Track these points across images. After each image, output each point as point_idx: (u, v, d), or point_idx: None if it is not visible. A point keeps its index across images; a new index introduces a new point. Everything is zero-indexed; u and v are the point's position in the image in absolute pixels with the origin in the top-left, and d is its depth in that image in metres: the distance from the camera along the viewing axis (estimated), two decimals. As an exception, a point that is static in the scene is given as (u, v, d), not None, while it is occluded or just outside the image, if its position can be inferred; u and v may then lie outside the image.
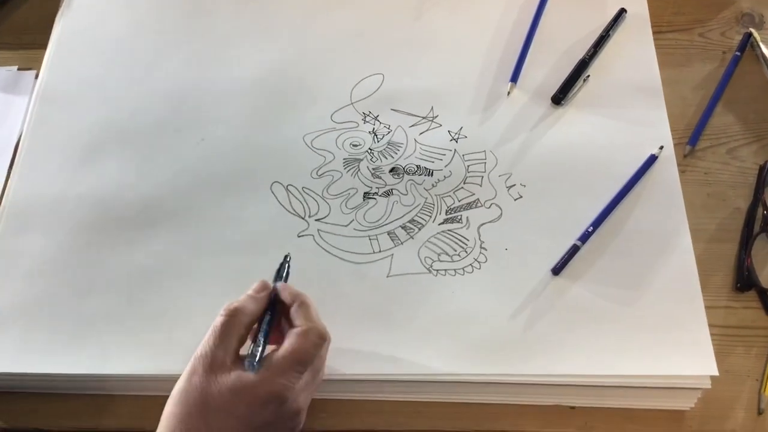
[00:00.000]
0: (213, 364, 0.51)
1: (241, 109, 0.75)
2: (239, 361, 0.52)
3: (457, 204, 0.68)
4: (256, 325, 0.55)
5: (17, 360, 0.62)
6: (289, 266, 0.60)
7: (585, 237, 0.64)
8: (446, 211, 0.68)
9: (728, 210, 0.69)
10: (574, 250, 0.64)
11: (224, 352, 0.52)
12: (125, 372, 0.61)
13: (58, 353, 0.62)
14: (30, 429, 0.61)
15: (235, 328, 0.53)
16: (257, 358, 0.52)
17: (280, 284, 0.57)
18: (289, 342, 0.53)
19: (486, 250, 0.65)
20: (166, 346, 0.62)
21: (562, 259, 0.64)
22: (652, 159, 0.69)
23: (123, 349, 0.62)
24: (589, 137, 0.71)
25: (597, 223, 0.65)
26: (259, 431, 0.50)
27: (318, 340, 0.53)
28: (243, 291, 0.63)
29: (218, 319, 0.53)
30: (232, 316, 0.53)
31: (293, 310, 0.55)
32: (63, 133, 0.74)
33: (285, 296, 0.56)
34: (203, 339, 0.52)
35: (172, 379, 0.60)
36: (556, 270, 0.63)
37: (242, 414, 0.49)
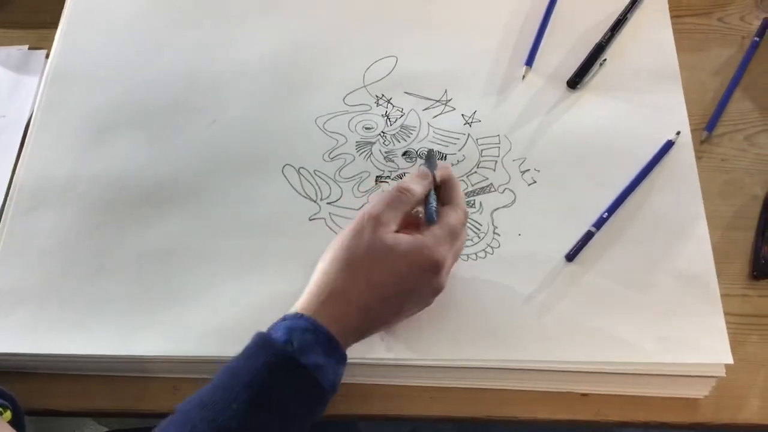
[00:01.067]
0: (382, 225, 0.54)
1: (254, 91, 0.74)
2: (402, 231, 0.55)
3: (470, 188, 0.67)
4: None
5: (28, 340, 0.62)
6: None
7: (600, 223, 0.64)
8: (459, 196, 0.67)
9: (745, 197, 0.68)
10: (588, 237, 0.63)
11: (392, 218, 0.55)
12: (137, 353, 0.60)
13: (69, 333, 0.62)
14: (41, 410, 0.62)
15: (403, 203, 0.56)
16: (434, 209, 0.57)
17: (437, 170, 0.60)
18: (446, 217, 0.56)
19: (499, 235, 0.65)
20: (177, 327, 0.62)
21: (576, 245, 0.63)
22: (669, 145, 0.68)
23: (134, 330, 0.62)
24: (605, 122, 0.70)
25: (612, 209, 0.64)
26: (408, 296, 0.54)
27: (465, 218, 0.58)
28: (252, 273, 0.63)
29: (390, 191, 0.56)
30: (403, 192, 0.56)
31: (446, 189, 0.59)
32: (74, 113, 0.74)
33: (438, 176, 0.60)
34: (371, 204, 0.56)
35: (184, 360, 0.60)
36: (570, 256, 0.63)
37: (403, 273, 0.53)
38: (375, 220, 0.54)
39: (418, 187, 0.57)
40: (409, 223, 0.57)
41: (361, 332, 0.54)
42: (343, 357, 0.52)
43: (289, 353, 0.49)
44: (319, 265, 0.55)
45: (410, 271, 0.53)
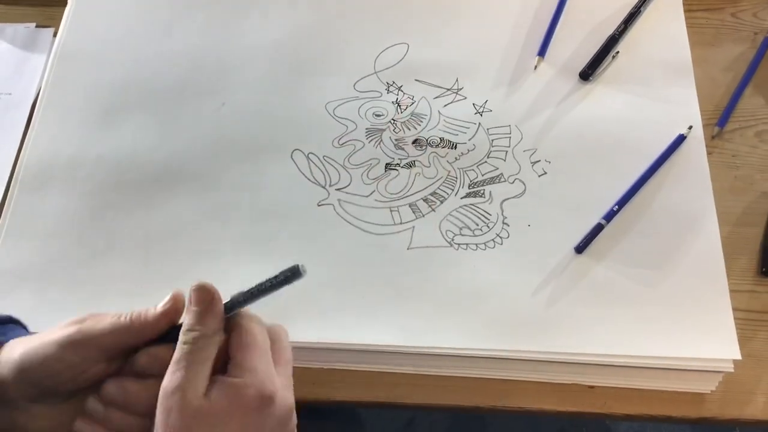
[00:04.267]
0: (188, 392, 0.43)
1: (263, 75, 0.74)
2: (212, 384, 0.44)
3: (480, 178, 0.67)
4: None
5: (31, 320, 0.61)
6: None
7: (610, 216, 0.64)
8: (469, 185, 0.67)
9: (755, 194, 0.68)
10: (598, 229, 0.63)
11: (198, 377, 0.43)
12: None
13: (73, 314, 0.61)
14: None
15: (203, 353, 0.44)
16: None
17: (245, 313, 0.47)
18: (243, 346, 0.45)
19: (508, 225, 0.64)
20: (182, 311, 0.61)
21: (585, 237, 0.63)
22: (681, 139, 0.67)
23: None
24: (617, 115, 0.70)
25: (622, 202, 0.64)
26: None
27: (256, 327, 0.46)
28: (259, 258, 0.63)
29: (180, 348, 0.44)
30: (196, 341, 0.44)
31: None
32: (81, 93, 0.73)
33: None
34: (166, 375, 0.43)
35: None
36: (580, 248, 0.62)
37: (239, 423, 0.43)
38: (177, 392, 0.42)
39: (207, 325, 0.45)
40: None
41: None
42: None
43: None
44: None
45: (246, 421, 0.43)
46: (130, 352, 0.47)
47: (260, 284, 0.45)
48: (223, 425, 0.42)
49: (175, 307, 0.46)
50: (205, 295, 0.45)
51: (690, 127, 0.68)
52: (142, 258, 0.64)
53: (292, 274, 0.44)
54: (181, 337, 0.44)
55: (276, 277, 0.44)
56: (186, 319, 0.45)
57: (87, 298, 0.62)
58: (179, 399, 0.42)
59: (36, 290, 0.63)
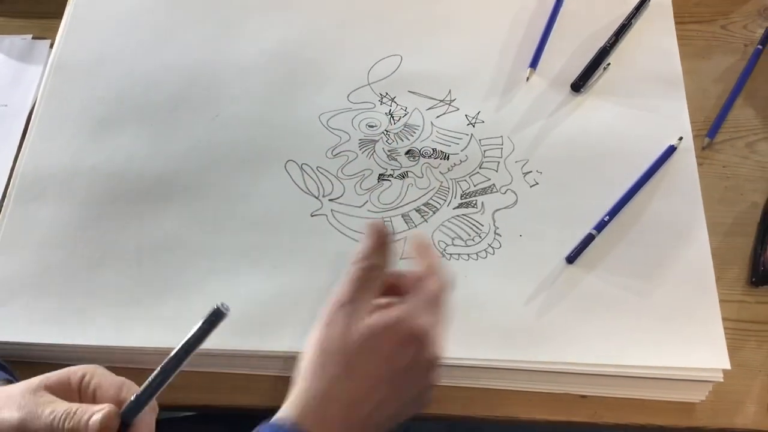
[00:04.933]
0: (353, 310, 0.48)
1: (257, 86, 0.74)
2: (376, 309, 0.49)
3: (472, 189, 0.67)
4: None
5: (25, 330, 0.62)
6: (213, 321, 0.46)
7: (600, 226, 0.64)
8: (461, 196, 0.67)
9: (745, 204, 0.68)
10: (588, 239, 0.63)
11: (363, 299, 0.49)
12: (133, 344, 0.60)
13: (66, 323, 0.62)
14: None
15: (370, 280, 0.50)
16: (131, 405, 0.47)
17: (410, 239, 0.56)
18: (424, 285, 0.50)
19: (500, 236, 0.65)
20: (174, 320, 0.62)
21: (576, 247, 0.63)
22: (671, 150, 0.68)
23: (131, 322, 0.62)
24: (608, 126, 0.70)
25: (613, 212, 0.65)
26: (398, 378, 0.48)
27: (444, 285, 0.51)
28: (252, 269, 0.63)
29: (353, 270, 0.50)
30: (366, 268, 0.49)
31: (421, 256, 0.53)
32: (76, 104, 0.74)
33: (412, 245, 0.54)
34: (337, 290, 0.49)
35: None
36: (571, 258, 0.63)
37: (385, 355, 0.47)
38: (344, 308, 0.48)
39: (379, 258, 0.50)
40: (388, 290, 0.51)
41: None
42: None
43: None
44: (305, 358, 0.49)
45: (391, 349, 0.47)
46: None
47: (188, 340, 0.45)
48: (376, 345, 0.47)
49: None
50: (379, 231, 0.50)
51: (680, 138, 0.68)
52: (135, 268, 0.64)
53: (216, 317, 0.45)
54: (355, 266, 0.49)
55: (201, 326, 0.45)
56: (361, 249, 0.50)
57: (80, 307, 0.62)
58: (350, 310, 0.48)
59: (29, 300, 0.63)
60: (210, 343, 0.59)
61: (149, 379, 0.46)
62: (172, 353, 0.46)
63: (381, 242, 0.50)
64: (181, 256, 0.65)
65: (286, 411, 0.47)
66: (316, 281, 0.63)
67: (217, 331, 0.58)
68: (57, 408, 0.47)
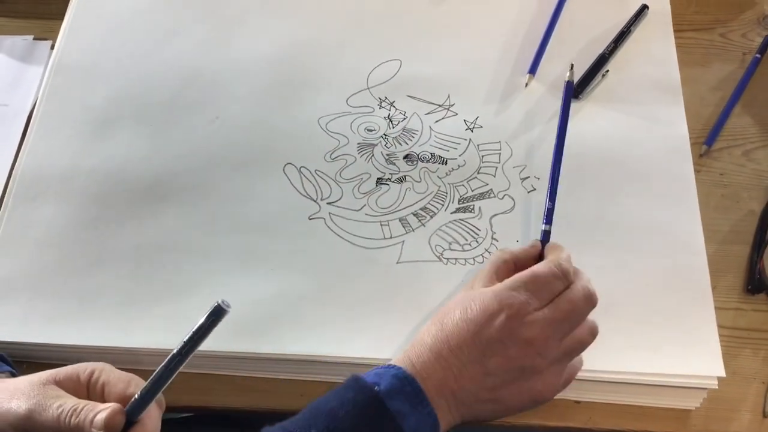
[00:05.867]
0: (469, 284, 0.56)
1: (257, 89, 0.75)
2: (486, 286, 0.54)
3: (470, 193, 0.68)
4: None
5: (23, 329, 0.62)
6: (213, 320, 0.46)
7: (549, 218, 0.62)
8: (459, 200, 0.67)
9: (742, 212, 0.68)
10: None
11: (479, 276, 0.55)
12: (131, 345, 0.60)
13: (64, 324, 0.62)
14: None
15: (495, 262, 0.56)
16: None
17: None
18: (533, 267, 0.54)
19: (497, 241, 0.65)
20: (170, 320, 0.62)
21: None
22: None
23: (128, 323, 0.62)
24: (606, 132, 0.70)
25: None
26: (490, 346, 0.50)
27: (558, 271, 0.53)
28: (249, 271, 0.63)
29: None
30: (553, 279, 0.53)
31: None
32: (76, 105, 0.74)
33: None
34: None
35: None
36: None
37: (473, 317, 0.51)
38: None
39: (523, 256, 0.58)
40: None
41: (460, 401, 0.50)
42: (432, 417, 0.49)
43: (374, 393, 0.48)
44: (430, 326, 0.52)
45: (482, 316, 0.51)
46: None
47: (190, 337, 0.46)
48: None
49: (110, 430, 0.47)
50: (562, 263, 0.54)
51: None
52: (132, 269, 0.65)
53: (217, 314, 0.45)
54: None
55: (203, 323, 0.45)
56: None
57: (78, 308, 0.63)
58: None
59: (27, 300, 0.63)
60: (207, 345, 0.60)
61: (152, 376, 0.47)
62: (175, 350, 0.46)
63: (562, 265, 0.54)
64: (179, 257, 0.65)
65: (403, 355, 0.51)
66: (313, 284, 0.63)
67: (215, 333, 0.59)
68: (65, 403, 0.48)
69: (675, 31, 0.77)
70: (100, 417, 0.47)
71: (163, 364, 0.46)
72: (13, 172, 0.70)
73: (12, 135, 0.73)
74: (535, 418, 0.59)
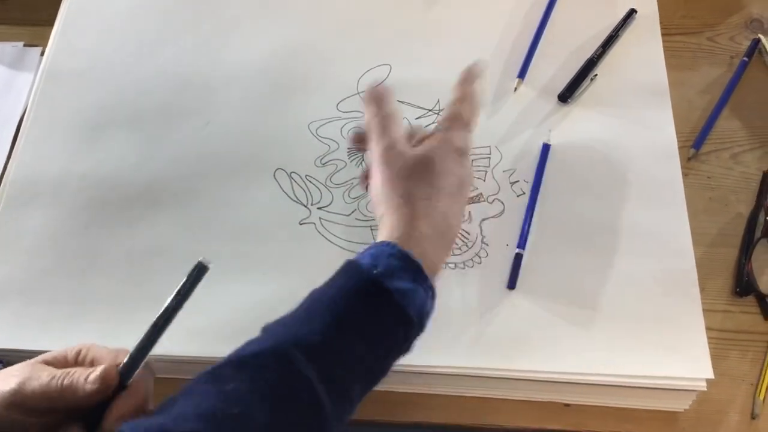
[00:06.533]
0: (402, 148, 0.56)
1: (247, 95, 0.75)
2: (418, 143, 0.57)
3: (460, 198, 0.68)
4: None
5: (13, 336, 0.62)
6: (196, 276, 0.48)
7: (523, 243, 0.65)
8: (449, 205, 0.68)
9: (730, 215, 0.69)
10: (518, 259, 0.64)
11: (401, 139, 0.57)
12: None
13: (55, 330, 0.62)
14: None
15: (395, 123, 0.57)
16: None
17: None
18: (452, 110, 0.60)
19: (487, 245, 0.65)
20: (164, 327, 0.62)
21: (511, 272, 0.63)
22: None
23: (119, 329, 0.62)
24: (594, 136, 0.71)
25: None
26: (456, 186, 0.54)
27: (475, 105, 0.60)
28: (240, 275, 0.64)
29: (375, 122, 0.57)
30: (386, 116, 0.57)
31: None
32: (67, 111, 0.74)
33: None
34: (373, 141, 0.57)
35: (165, 360, 0.60)
36: (511, 285, 0.63)
37: (397, 174, 0.54)
38: (393, 149, 0.55)
39: (388, 106, 0.58)
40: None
41: (438, 245, 0.53)
42: (431, 289, 0.50)
43: (373, 276, 0.48)
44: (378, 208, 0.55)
45: (446, 166, 0.55)
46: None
47: (174, 296, 0.47)
48: (432, 166, 0.54)
49: (104, 386, 0.47)
50: (376, 94, 0.58)
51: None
52: (124, 275, 0.65)
53: (198, 272, 0.47)
54: (373, 119, 0.57)
55: (186, 281, 0.47)
56: (367, 111, 0.58)
57: (70, 314, 0.63)
58: (399, 149, 0.55)
59: (19, 306, 0.63)
60: (198, 351, 0.60)
61: (141, 337, 0.47)
62: (161, 310, 0.47)
63: (380, 99, 0.58)
64: (170, 263, 0.65)
65: (386, 233, 0.52)
66: (304, 288, 0.63)
67: (206, 339, 0.59)
68: (56, 371, 0.47)
69: (663, 34, 0.78)
70: (95, 373, 0.47)
71: (151, 324, 0.47)
72: (4, 178, 0.70)
73: (3, 141, 0.74)
74: (527, 421, 0.60)
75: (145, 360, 0.48)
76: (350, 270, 0.49)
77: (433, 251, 0.52)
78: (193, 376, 0.61)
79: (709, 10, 0.82)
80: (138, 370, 0.48)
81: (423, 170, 0.54)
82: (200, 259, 0.46)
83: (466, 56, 0.76)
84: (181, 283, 0.47)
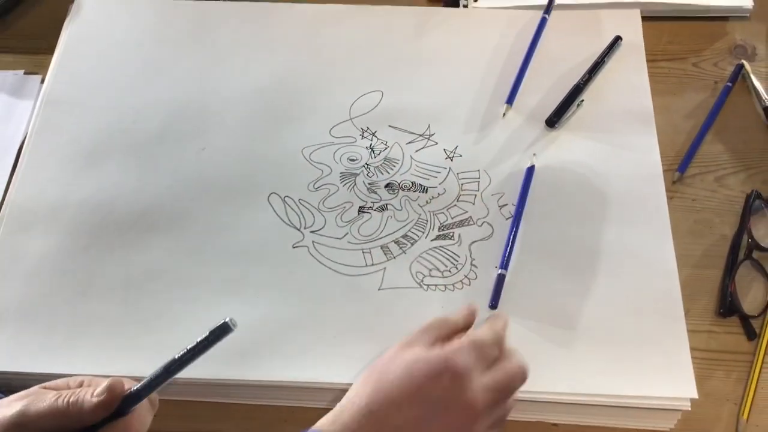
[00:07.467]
0: (405, 344, 0.55)
1: (242, 120, 0.76)
2: (429, 349, 0.54)
3: (449, 221, 0.69)
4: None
5: (13, 359, 0.63)
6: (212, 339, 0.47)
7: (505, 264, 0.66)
8: (439, 228, 0.69)
9: (714, 237, 0.70)
10: (500, 279, 0.65)
11: (418, 339, 0.55)
12: (119, 373, 0.61)
13: (54, 353, 0.63)
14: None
15: (437, 328, 0.57)
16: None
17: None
18: (470, 332, 0.57)
19: (476, 267, 0.67)
20: (159, 349, 0.63)
21: (493, 291, 0.65)
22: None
23: (117, 352, 0.63)
24: (581, 161, 0.72)
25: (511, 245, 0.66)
26: (432, 407, 0.50)
27: (497, 338, 0.56)
28: (235, 298, 0.65)
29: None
30: (441, 321, 0.57)
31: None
32: (66, 138, 0.76)
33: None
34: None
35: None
36: (493, 305, 0.64)
37: (417, 376, 0.51)
38: (401, 343, 0.55)
39: (459, 319, 0.59)
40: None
41: None
42: None
43: None
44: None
45: (426, 379, 0.51)
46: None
47: (194, 346, 0.47)
48: (413, 375, 0.52)
49: (111, 398, 0.48)
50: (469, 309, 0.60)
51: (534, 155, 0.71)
52: (121, 299, 0.66)
53: (222, 331, 0.46)
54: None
55: (207, 336, 0.47)
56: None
57: (67, 338, 0.64)
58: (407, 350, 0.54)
59: (17, 331, 0.64)
60: (194, 372, 0.61)
61: (150, 375, 0.48)
62: (177, 355, 0.48)
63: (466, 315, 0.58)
64: (166, 287, 0.66)
65: (340, 427, 0.50)
66: (297, 311, 0.65)
67: (198, 361, 0.60)
68: (61, 392, 0.48)
69: (649, 60, 0.80)
70: (101, 386, 0.48)
71: (162, 366, 0.48)
72: (4, 204, 0.72)
73: (3, 168, 0.75)
74: (513, 441, 0.60)
75: (150, 394, 0.49)
76: None
77: None
78: (185, 397, 0.62)
79: (693, 37, 0.84)
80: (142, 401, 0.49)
81: (461, 415, 0.51)
82: (227, 319, 0.46)
83: (455, 83, 0.79)
84: (203, 337, 0.47)
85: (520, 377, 0.55)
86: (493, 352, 0.55)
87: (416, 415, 0.50)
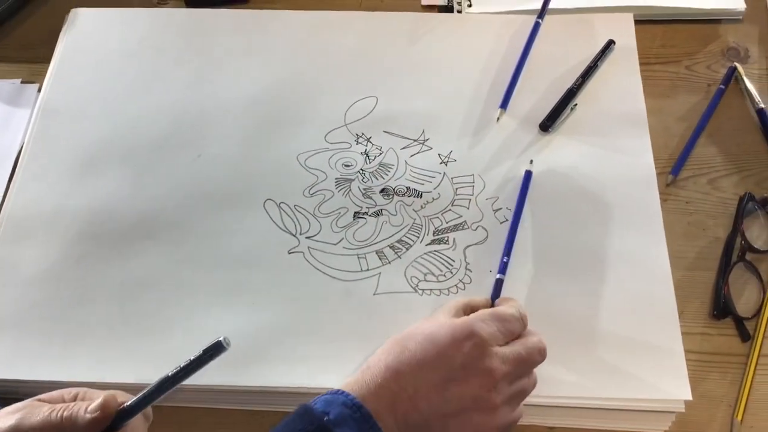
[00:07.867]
0: (428, 318, 0.57)
1: (238, 128, 0.77)
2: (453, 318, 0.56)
3: (444, 225, 0.70)
4: None
5: (10, 367, 0.63)
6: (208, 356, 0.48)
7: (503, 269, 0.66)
8: (434, 232, 0.69)
9: (708, 239, 0.71)
10: (498, 284, 0.65)
11: (441, 312, 0.58)
12: (117, 381, 0.62)
13: (51, 361, 0.64)
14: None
15: (460, 305, 0.59)
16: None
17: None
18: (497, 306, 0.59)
19: (471, 271, 0.67)
20: (156, 356, 0.63)
21: (492, 292, 0.64)
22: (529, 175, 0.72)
23: (114, 359, 0.64)
24: (575, 164, 0.73)
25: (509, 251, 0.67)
26: (453, 371, 0.52)
27: (520, 315, 0.57)
28: (232, 305, 0.65)
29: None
30: (463, 300, 0.60)
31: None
32: (63, 146, 0.76)
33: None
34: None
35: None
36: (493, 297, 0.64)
37: (441, 340, 0.53)
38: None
39: (481, 302, 0.61)
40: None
41: (411, 424, 0.51)
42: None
43: (323, 423, 0.49)
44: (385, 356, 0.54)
45: (450, 342, 0.53)
46: None
47: (187, 364, 0.48)
48: (438, 339, 0.53)
49: (104, 415, 0.49)
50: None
51: (531, 161, 0.71)
52: (117, 307, 0.66)
53: (215, 349, 0.47)
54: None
55: (201, 355, 0.48)
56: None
57: (64, 346, 0.64)
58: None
59: (14, 339, 0.65)
60: (189, 379, 0.61)
61: (144, 390, 0.49)
62: (170, 372, 0.48)
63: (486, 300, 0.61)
64: (162, 294, 0.67)
65: (351, 382, 0.52)
66: (293, 317, 0.65)
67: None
68: (55, 405, 0.49)
69: (642, 63, 0.80)
70: (95, 402, 0.48)
71: (155, 382, 0.49)
72: (1, 214, 0.72)
73: (1, 176, 0.75)
74: (508, 444, 0.61)
75: (143, 409, 0.50)
76: (303, 414, 0.50)
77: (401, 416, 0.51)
78: (182, 404, 0.63)
79: (686, 40, 0.84)
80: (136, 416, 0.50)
81: (481, 380, 0.52)
82: (221, 338, 0.47)
83: (449, 88, 0.79)
84: (196, 355, 0.48)
85: (539, 353, 0.56)
86: (516, 327, 0.56)
87: (436, 378, 0.52)
